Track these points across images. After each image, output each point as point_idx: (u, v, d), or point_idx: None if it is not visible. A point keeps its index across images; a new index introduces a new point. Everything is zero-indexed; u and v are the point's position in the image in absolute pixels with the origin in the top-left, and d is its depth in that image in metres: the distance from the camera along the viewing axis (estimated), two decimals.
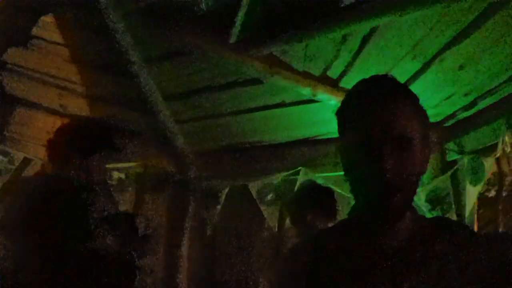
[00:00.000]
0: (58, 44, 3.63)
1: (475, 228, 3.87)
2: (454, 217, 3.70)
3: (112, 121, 4.06)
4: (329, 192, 3.04)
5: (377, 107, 1.14)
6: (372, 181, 1.12)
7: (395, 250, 1.18)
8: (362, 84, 1.24)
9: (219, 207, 4.30)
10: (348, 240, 1.27)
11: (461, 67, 2.96)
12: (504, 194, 5.63)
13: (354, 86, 1.24)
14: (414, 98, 1.25)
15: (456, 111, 3.62)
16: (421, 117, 1.21)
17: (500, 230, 5.79)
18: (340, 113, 1.26)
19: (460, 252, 1.20)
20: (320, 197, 2.93)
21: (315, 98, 3.29)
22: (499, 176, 5.45)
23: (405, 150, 1.11)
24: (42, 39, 3.61)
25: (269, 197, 4.17)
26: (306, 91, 3.23)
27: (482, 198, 5.53)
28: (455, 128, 3.89)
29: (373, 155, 1.11)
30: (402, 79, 3.11)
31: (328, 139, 4.33)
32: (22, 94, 4.09)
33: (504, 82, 3.15)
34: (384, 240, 1.20)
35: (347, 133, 1.22)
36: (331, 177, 4.12)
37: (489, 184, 5.72)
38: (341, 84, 3.23)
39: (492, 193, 6.08)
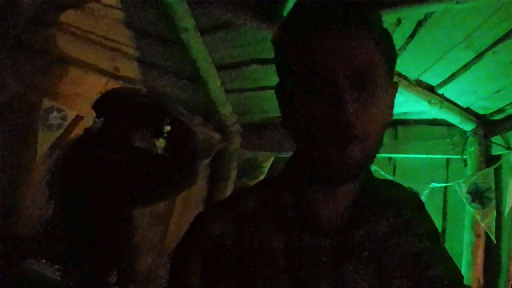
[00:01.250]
0: (114, 7, 3.71)
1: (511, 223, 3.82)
2: (494, 213, 3.67)
3: (163, 86, 4.15)
4: None
5: (330, 31, 0.87)
6: (323, 129, 0.86)
7: (334, 229, 0.94)
8: (306, 5, 0.94)
9: (261, 177, 4.34)
10: (270, 211, 0.97)
11: None
12: None
13: (295, 7, 0.95)
14: (377, 23, 0.94)
15: (506, 105, 3.56)
16: (386, 49, 0.93)
17: None
18: (279, 44, 0.98)
19: (402, 234, 0.99)
20: None
21: None
22: None
23: (367, 88, 0.87)
24: (99, 2, 3.70)
25: None
26: None
27: None
28: (503, 123, 3.83)
29: (326, 93, 0.85)
30: (453, 67, 3.10)
31: None
32: (76, 54, 4.21)
33: None
34: (323, 213, 0.95)
35: (289, 68, 0.93)
36: None
37: None
38: None
39: None
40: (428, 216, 1.12)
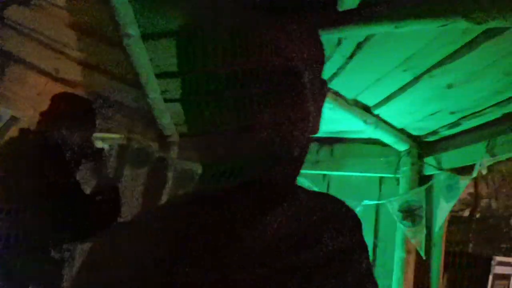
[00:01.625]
0: (60, 7, 3.64)
1: (443, 243, 3.94)
2: (424, 231, 3.78)
3: (103, 91, 4.08)
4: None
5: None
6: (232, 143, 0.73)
7: (273, 253, 0.76)
8: None
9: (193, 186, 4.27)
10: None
11: (449, 86, 2.99)
12: (477, 215, 5.73)
13: None
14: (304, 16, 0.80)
15: (440, 128, 3.69)
16: (315, 53, 0.78)
17: (470, 249, 5.90)
18: None
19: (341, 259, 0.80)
20: None
21: None
22: (475, 197, 5.56)
23: (288, 93, 0.72)
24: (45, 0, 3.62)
25: None
26: None
27: (456, 216, 5.60)
28: (436, 144, 3.98)
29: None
30: (390, 89, 3.18)
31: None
32: (17, 52, 4.09)
33: (491, 106, 3.19)
34: (256, 235, 0.76)
35: None
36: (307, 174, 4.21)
37: (464, 204, 5.80)
38: (329, 85, 3.24)
39: (466, 213, 6.16)
40: (363, 239, 0.90)
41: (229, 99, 0.80)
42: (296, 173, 0.82)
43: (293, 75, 0.74)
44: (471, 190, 5.53)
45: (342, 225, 0.83)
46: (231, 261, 0.73)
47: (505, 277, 5.30)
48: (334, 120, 3.72)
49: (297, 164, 0.82)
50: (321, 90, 0.84)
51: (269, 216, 0.76)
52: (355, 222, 0.87)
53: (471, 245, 5.97)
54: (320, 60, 0.83)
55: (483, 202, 5.78)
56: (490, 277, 5.22)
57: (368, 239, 4.16)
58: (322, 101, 0.85)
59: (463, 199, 5.47)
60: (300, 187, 0.85)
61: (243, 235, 0.75)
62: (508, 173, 5.79)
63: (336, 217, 0.84)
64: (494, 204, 5.76)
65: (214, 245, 0.76)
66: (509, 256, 5.58)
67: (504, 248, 5.81)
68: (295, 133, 0.76)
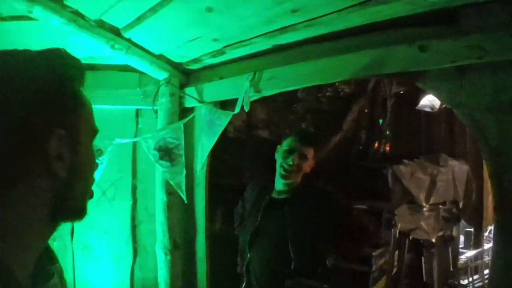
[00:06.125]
0: None
1: (207, 183, 3.62)
2: (184, 171, 3.43)
3: None
4: None
5: None
6: None
7: None
8: None
9: None
10: None
11: (209, 9, 2.55)
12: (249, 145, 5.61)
13: None
14: None
15: (203, 55, 3.29)
16: None
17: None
18: None
19: None
20: None
21: (32, 16, 2.60)
22: (248, 125, 5.40)
23: None
24: None
25: None
26: (20, 5, 2.53)
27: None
28: (199, 74, 3.62)
29: None
30: (140, 9, 2.64)
31: None
32: None
33: (259, 36, 2.87)
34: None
35: None
36: None
37: (238, 131, 5.57)
38: (67, 2, 2.58)
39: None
40: None
41: None
42: None
43: None
44: (244, 117, 5.33)
45: None
46: None
47: None
48: (77, 45, 3.09)
49: None
50: None
51: None
52: None
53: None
54: None
55: (257, 131, 5.64)
56: None
57: (126, 180, 3.72)
58: None
59: (237, 126, 5.27)
60: None
61: None
62: (284, 102, 5.73)
63: None
64: (265, 134, 5.65)
65: None
66: None
67: None
68: None
